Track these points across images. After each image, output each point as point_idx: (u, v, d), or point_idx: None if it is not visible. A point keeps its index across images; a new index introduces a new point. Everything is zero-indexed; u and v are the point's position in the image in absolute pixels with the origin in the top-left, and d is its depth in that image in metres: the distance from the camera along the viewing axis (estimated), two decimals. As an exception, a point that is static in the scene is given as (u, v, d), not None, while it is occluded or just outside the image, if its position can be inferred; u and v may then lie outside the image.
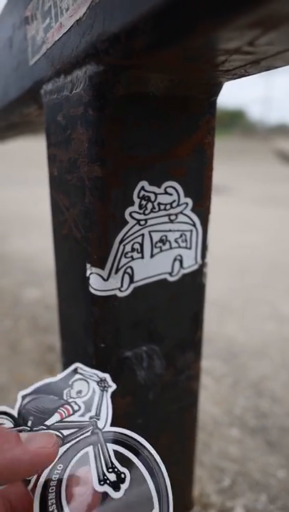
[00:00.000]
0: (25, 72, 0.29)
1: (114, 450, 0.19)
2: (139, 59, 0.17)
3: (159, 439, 0.30)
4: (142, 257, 0.25)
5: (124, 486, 0.18)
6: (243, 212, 1.99)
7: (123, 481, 0.18)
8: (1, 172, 3.41)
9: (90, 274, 0.24)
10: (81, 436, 0.20)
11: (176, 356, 0.29)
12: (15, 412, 0.20)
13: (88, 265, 0.24)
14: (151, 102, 0.22)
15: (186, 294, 0.28)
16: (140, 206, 0.23)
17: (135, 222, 0.23)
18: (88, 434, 0.20)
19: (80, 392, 0.21)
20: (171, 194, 0.25)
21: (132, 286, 0.25)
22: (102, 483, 0.18)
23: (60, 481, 0.18)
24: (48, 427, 0.20)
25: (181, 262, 0.27)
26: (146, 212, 0.24)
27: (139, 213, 0.23)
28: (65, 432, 0.20)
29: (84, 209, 0.23)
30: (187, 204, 0.26)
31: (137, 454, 0.19)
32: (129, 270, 0.24)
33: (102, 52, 0.18)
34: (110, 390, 0.22)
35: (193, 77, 0.22)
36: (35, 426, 0.20)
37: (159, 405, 0.29)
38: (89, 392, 0.22)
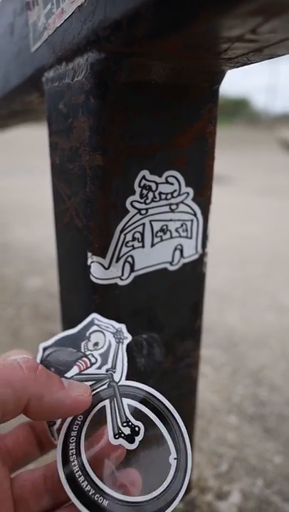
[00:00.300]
0: (26, 59, 0.29)
1: (128, 404, 0.20)
2: (140, 46, 0.17)
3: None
4: (143, 246, 0.25)
5: (138, 439, 0.19)
6: (244, 202, 1.98)
7: (137, 433, 0.19)
8: (4, 161, 3.39)
9: (91, 262, 0.24)
10: (98, 389, 0.21)
11: (175, 344, 0.29)
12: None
13: (89, 254, 0.24)
14: (153, 91, 0.22)
15: (187, 283, 0.28)
16: (141, 195, 0.23)
17: (136, 211, 0.24)
18: (105, 386, 0.21)
19: (96, 344, 0.22)
20: (172, 183, 0.25)
21: (133, 274, 0.25)
22: (117, 436, 0.19)
23: (80, 431, 0.19)
24: (68, 379, 0.21)
25: (181, 251, 0.27)
26: (147, 201, 0.24)
27: (140, 202, 0.24)
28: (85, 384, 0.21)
29: (85, 198, 0.23)
30: (188, 194, 0.26)
31: (148, 405, 0.20)
32: (129, 259, 0.25)
33: (103, 39, 0.18)
34: (126, 342, 0.22)
35: (196, 65, 0.21)
36: None
37: (159, 392, 0.29)
38: (105, 345, 0.22)
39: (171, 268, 0.27)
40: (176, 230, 0.26)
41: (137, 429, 0.19)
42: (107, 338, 0.23)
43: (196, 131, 0.25)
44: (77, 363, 0.22)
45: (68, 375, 0.21)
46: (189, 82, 0.23)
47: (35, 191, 1.97)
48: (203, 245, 0.28)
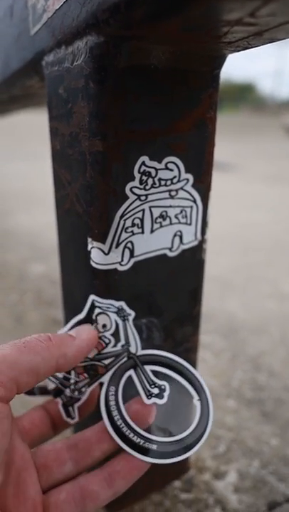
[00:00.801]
0: (26, 42, 0.29)
1: (150, 370, 0.24)
2: (139, 29, 0.17)
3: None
4: (142, 232, 0.25)
5: (166, 394, 0.23)
6: (248, 190, 1.96)
7: (164, 390, 0.23)
8: (6, 147, 3.37)
9: (92, 248, 0.24)
10: (120, 363, 0.24)
11: (174, 329, 0.30)
12: None
13: (89, 239, 0.24)
14: (153, 75, 0.21)
15: (186, 270, 0.28)
16: (141, 181, 0.24)
17: (136, 197, 0.24)
18: (125, 359, 0.24)
19: (104, 326, 0.24)
20: (171, 170, 0.25)
21: (133, 260, 0.25)
22: (149, 397, 0.23)
23: (116, 399, 0.23)
24: (91, 359, 0.24)
25: (181, 237, 0.27)
26: (147, 187, 0.24)
27: (140, 188, 0.24)
28: (106, 362, 0.24)
29: (85, 183, 0.23)
30: (188, 180, 0.26)
31: (164, 365, 0.25)
32: (129, 245, 0.25)
33: (102, 22, 0.18)
34: (131, 318, 0.25)
35: (196, 49, 0.21)
36: None
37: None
38: (112, 325, 0.24)
39: (170, 254, 0.27)
40: (176, 217, 0.26)
41: (163, 387, 0.24)
42: (112, 318, 0.25)
43: (196, 117, 0.25)
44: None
45: (90, 356, 0.24)
46: (189, 66, 0.23)
47: (37, 178, 1.96)
48: (203, 232, 0.28)
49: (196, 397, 0.24)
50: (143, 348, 0.25)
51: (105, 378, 0.24)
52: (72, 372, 0.24)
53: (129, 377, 0.24)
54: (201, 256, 0.29)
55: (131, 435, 0.22)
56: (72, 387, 0.24)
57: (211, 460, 0.39)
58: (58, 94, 0.25)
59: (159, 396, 0.23)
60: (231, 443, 0.41)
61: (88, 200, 0.24)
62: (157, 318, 0.28)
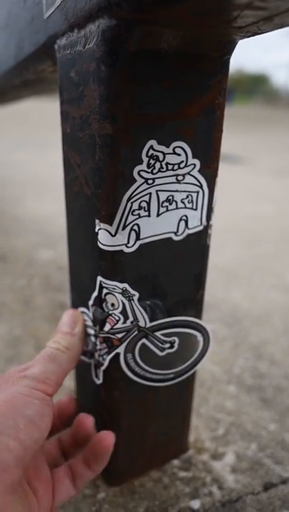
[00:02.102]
0: (39, 26, 0.29)
1: (160, 333, 0.28)
2: (150, 13, 0.18)
3: (159, 388, 0.32)
4: (149, 216, 0.26)
5: (176, 344, 0.29)
6: (256, 182, 1.95)
7: (174, 342, 0.29)
8: (17, 135, 3.38)
9: (99, 229, 0.25)
10: (131, 336, 0.28)
11: (177, 312, 0.30)
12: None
13: (97, 221, 0.25)
14: (163, 60, 0.22)
15: (190, 254, 0.29)
16: (148, 165, 0.24)
17: (143, 180, 0.24)
18: (136, 333, 0.28)
19: (113, 305, 0.26)
20: (179, 154, 0.25)
21: (138, 242, 0.26)
22: (162, 351, 0.29)
23: (136, 360, 0.29)
24: (107, 332, 0.27)
25: (186, 222, 0.28)
26: (154, 171, 0.25)
27: (147, 172, 0.24)
28: (119, 336, 0.27)
29: (94, 166, 0.24)
30: (195, 165, 0.26)
31: (171, 326, 0.29)
32: (135, 227, 0.25)
33: (114, 5, 0.18)
34: (136, 298, 0.27)
35: (206, 34, 0.22)
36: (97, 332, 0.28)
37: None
38: (120, 305, 0.26)
39: (175, 238, 0.28)
40: (182, 201, 0.27)
41: (173, 341, 0.29)
42: (118, 298, 0.26)
43: (205, 103, 0.25)
44: (107, 320, 0.27)
45: (106, 329, 0.27)
46: (200, 51, 0.23)
47: (47, 165, 1.97)
48: (208, 217, 0.29)
49: (199, 335, 0.30)
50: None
51: (121, 349, 0.28)
52: (98, 340, 0.28)
53: (143, 344, 0.28)
54: (205, 241, 0.29)
55: (153, 376, 0.30)
56: (98, 352, 0.29)
57: (210, 442, 0.40)
58: (70, 77, 0.25)
59: (171, 348, 0.29)
60: (230, 426, 0.42)
61: (97, 182, 0.24)
62: (161, 300, 0.29)
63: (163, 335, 0.29)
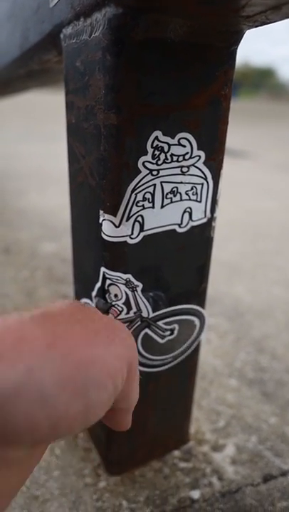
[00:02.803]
0: (45, 15, 0.29)
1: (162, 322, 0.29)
2: (156, 1, 0.17)
3: (160, 378, 0.32)
4: (153, 207, 0.26)
5: (176, 331, 0.30)
6: (262, 178, 1.93)
7: (174, 329, 0.30)
8: (23, 127, 3.37)
9: (103, 220, 0.25)
10: (134, 327, 0.28)
11: (180, 304, 0.30)
12: None
13: (101, 212, 0.25)
14: (169, 50, 0.22)
15: (194, 246, 0.29)
16: (153, 156, 0.24)
17: (148, 171, 0.24)
18: (139, 323, 0.28)
19: (116, 296, 0.26)
20: (184, 146, 0.25)
21: (142, 234, 0.26)
22: (162, 338, 0.30)
23: (138, 350, 0.28)
24: None
25: (190, 214, 0.28)
26: (159, 162, 0.24)
27: (152, 163, 0.24)
28: None
29: (99, 157, 0.24)
30: (200, 157, 0.26)
31: (171, 315, 0.29)
32: (139, 219, 0.25)
33: (121, -7, 0.18)
34: (139, 289, 0.27)
35: (213, 23, 0.21)
36: None
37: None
38: (123, 295, 0.26)
39: (179, 230, 0.28)
40: (186, 193, 0.27)
41: (173, 328, 0.30)
42: (121, 289, 0.26)
43: (211, 94, 0.25)
44: (111, 311, 0.27)
45: None
46: (206, 41, 0.23)
47: (52, 158, 1.96)
48: (212, 210, 0.29)
49: (196, 320, 0.31)
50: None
51: None
52: None
53: (145, 334, 0.28)
54: (209, 233, 0.29)
55: (153, 363, 0.31)
56: None
57: (211, 433, 0.40)
58: (75, 67, 0.25)
59: (171, 335, 0.30)
60: (231, 419, 0.42)
61: (101, 173, 0.24)
62: (164, 292, 0.29)
63: (164, 323, 0.29)
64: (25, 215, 1.13)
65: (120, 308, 0.27)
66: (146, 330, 0.28)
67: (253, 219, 1.22)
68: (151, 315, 0.28)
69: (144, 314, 0.28)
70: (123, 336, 0.19)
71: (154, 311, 0.28)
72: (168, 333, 0.30)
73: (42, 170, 1.75)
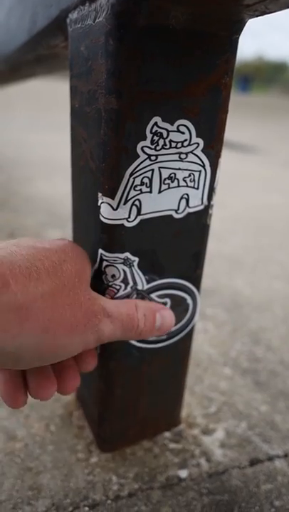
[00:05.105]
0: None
1: (155, 295, 0.30)
2: (158, -13, 0.18)
3: (153, 360, 0.34)
4: (150, 192, 0.26)
5: (168, 305, 0.31)
6: (269, 173, 1.92)
7: (166, 304, 0.31)
8: (31, 116, 3.37)
9: (101, 203, 0.26)
10: (132, 299, 0.29)
11: (173, 278, 0.31)
12: None
13: (100, 195, 0.26)
14: (170, 37, 0.22)
15: (190, 232, 0.30)
16: (152, 141, 0.25)
17: (146, 156, 0.25)
18: (135, 296, 0.29)
19: (113, 276, 0.28)
20: (183, 133, 0.26)
21: (139, 218, 0.27)
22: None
23: None
24: None
25: (187, 200, 0.28)
26: (158, 148, 0.25)
27: (151, 148, 0.25)
28: None
29: (99, 140, 0.25)
30: (198, 144, 0.27)
31: (165, 288, 0.30)
32: (137, 202, 0.26)
33: (123, -21, 0.18)
34: (136, 264, 0.28)
35: (214, 11, 0.22)
36: None
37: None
38: (121, 274, 0.28)
39: (176, 216, 0.28)
40: (184, 180, 0.27)
41: (165, 302, 0.31)
42: (119, 268, 0.27)
43: (211, 82, 0.25)
44: (106, 292, 0.28)
45: None
46: (208, 29, 0.23)
47: (59, 147, 1.97)
48: (209, 197, 0.29)
49: (189, 298, 0.32)
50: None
51: None
52: None
53: None
54: (206, 221, 0.30)
55: (148, 338, 0.31)
56: None
57: (202, 418, 0.41)
58: (80, 51, 0.25)
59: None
60: (222, 405, 0.43)
61: (101, 156, 0.25)
62: (159, 276, 0.30)
63: (157, 296, 0.30)
64: (31, 202, 1.14)
65: (118, 287, 0.28)
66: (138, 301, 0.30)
67: (257, 213, 1.22)
68: (146, 287, 0.29)
69: (140, 287, 0.29)
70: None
71: (148, 282, 0.29)
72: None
73: (49, 158, 1.76)
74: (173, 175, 0.27)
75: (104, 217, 0.26)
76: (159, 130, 0.25)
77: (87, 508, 0.31)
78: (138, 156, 0.25)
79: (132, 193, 0.26)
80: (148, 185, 0.26)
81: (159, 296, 0.30)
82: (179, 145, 0.26)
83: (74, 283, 0.23)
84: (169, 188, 0.27)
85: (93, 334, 0.24)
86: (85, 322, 0.23)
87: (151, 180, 0.26)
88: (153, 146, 0.25)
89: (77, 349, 0.24)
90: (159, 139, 0.25)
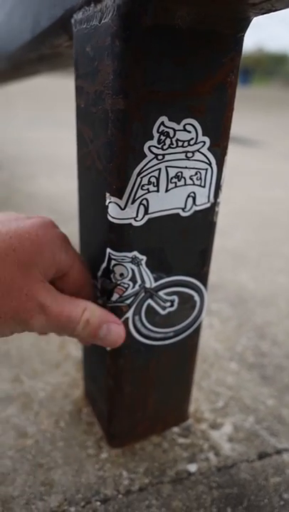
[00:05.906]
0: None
1: (163, 293, 0.30)
2: (165, -11, 0.18)
3: (161, 356, 0.34)
4: (158, 191, 0.27)
5: (176, 303, 0.31)
6: (272, 167, 1.91)
7: (174, 301, 0.31)
8: (34, 113, 3.36)
9: (109, 203, 0.26)
10: (139, 298, 0.29)
11: (180, 275, 0.32)
12: None
13: (107, 194, 0.26)
14: (176, 36, 0.22)
15: (197, 230, 0.30)
16: (159, 141, 0.25)
17: (153, 156, 0.25)
18: (143, 294, 0.29)
19: (122, 275, 0.28)
20: (189, 131, 0.26)
21: (147, 217, 0.27)
22: (164, 309, 0.31)
23: (142, 322, 0.31)
24: (114, 302, 0.29)
25: (194, 199, 0.28)
26: (165, 147, 0.25)
27: (158, 148, 0.25)
28: (128, 302, 0.29)
29: (106, 141, 0.25)
30: (204, 143, 0.27)
31: (172, 286, 0.31)
32: (144, 202, 0.26)
33: (130, -20, 0.18)
34: (143, 262, 0.28)
35: (220, 11, 0.22)
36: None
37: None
38: (129, 273, 0.28)
39: (183, 214, 0.28)
40: (191, 178, 0.27)
41: (173, 299, 0.31)
42: (128, 267, 0.28)
43: (217, 80, 0.25)
44: (115, 290, 0.28)
45: (113, 299, 0.29)
46: (213, 28, 0.23)
47: (62, 144, 1.97)
48: (216, 195, 0.29)
49: (196, 295, 0.32)
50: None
51: (130, 313, 0.30)
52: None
53: (148, 305, 0.30)
54: (212, 218, 0.30)
55: (156, 335, 0.32)
56: None
57: (209, 413, 0.42)
58: (85, 52, 0.26)
59: (171, 306, 0.31)
60: (230, 400, 0.44)
61: (108, 156, 0.25)
62: (166, 274, 0.30)
63: (165, 294, 0.30)
64: (34, 199, 1.14)
65: (126, 285, 0.28)
66: (149, 301, 0.30)
67: (261, 208, 1.22)
68: (154, 285, 0.29)
69: (148, 285, 0.29)
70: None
71: (155, 280, 0.30)
72: (168, 304, 0.31)
73: (52, 156, 1.76)
74: (180, 173, 0.27)
75: (112, 217, 0.26)
76: (166, 129, 0.25)
77: (98, 503, 0.32)
78: (145, 156, 0.25)
79: (140, 192, 0.26)
80: (155, 184, 0.26)
81: (167, 294, 0.31)
82: (186, 144, 0.26)
83: (13, 277, 0.23)
84: (176, 186, 0.27)
85: (20, 326, 0.25)
86: (13, 315, 0.24)
87: (158, 179, 0.26)
88: (160, 146, 0.25)
89: (3, 334, 0.25)
90: (165, 139, 0.25)
